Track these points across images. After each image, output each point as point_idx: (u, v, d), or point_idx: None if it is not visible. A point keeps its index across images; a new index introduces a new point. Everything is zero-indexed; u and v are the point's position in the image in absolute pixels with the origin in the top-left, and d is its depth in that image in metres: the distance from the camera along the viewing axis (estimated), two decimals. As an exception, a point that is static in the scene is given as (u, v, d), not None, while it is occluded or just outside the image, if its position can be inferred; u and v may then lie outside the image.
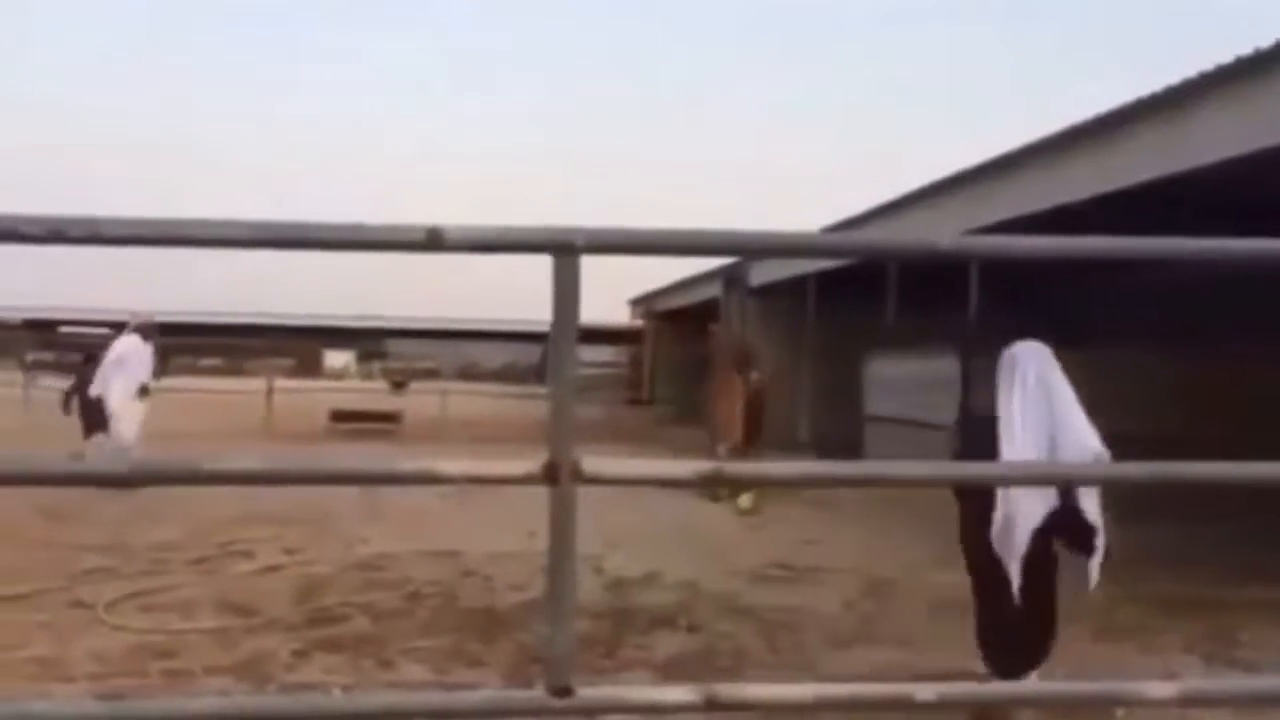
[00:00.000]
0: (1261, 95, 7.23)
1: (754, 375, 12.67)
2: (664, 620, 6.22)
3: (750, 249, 2.18)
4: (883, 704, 2.29)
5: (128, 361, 11.90)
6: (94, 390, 11.81)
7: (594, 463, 2.06)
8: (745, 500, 10.98)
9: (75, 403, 12.55)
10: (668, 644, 5.75)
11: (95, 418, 11.93)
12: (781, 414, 19.55)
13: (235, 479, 2.50)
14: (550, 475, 2.05)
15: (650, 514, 9.70)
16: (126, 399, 11.73)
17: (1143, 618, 6.51)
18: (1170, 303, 14.23)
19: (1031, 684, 2.32)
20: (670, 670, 5.17)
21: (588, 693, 2.11)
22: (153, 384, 12.41)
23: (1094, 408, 11.24)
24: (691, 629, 6.08)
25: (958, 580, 7.50)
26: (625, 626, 6.03)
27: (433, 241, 2.02)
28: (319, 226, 2.03)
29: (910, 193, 13.40)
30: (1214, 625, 6.30)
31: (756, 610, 6.56)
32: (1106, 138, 8.90)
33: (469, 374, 49.63)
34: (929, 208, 12.91)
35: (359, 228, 2.04)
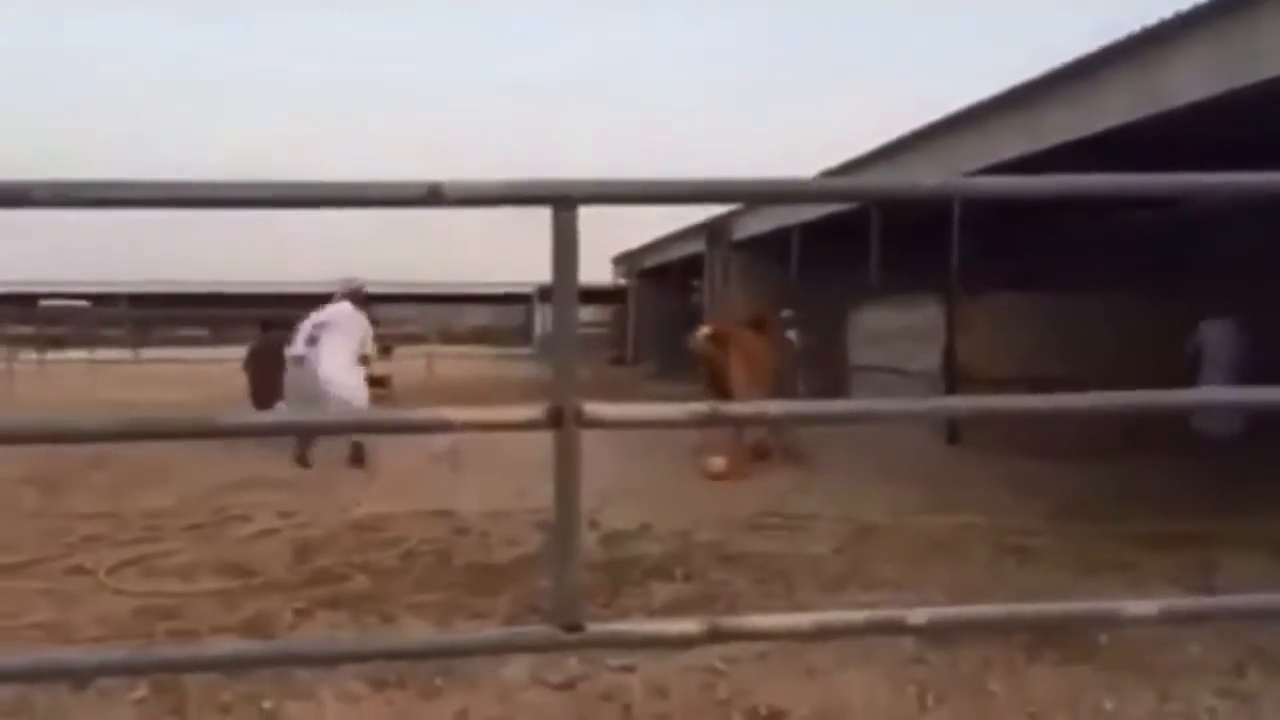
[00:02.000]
0: (1236, 35, 7.30)
1: (788, 335, 11.99)
2: (659, 570, 6.33)
3: (742, 195, 2.23)
4: (878, 629, 2.40)
5: (340, 328, 10.76)
6: (299, 357, 10.80)
7: (594, 408, 2.14)
8: (718, 462, 10.12)
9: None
10: (664, 592, 5.86)
11: (271, 387, 11.68)
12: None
13: (251, 431, 2.58)
14: (554, 419, 2.13)
15: (643, 469, 9.81)
16: (346, 367, 10.62)
17: (1125, 553, 6.66)
18: (1148, 246, 14.37)
19: (1016, 607, 2.42)
20: (669, 615, 5.29)
21: (597, 628, 2.20)
22: (372, 353, 11.39)
23: (1065, 350, 11.43)
24: (687, 577, 6.19)
25: (942, 523, 7.69)
26: (622, 577, 6.14)
27: (433, 197, 2.09)
28: (321, 185, 2.09)
29: (890, 142, 13.46)
30: (1194, 558, 6.45)
31: (749, 557, 6.68)
32: (1082, 82, 8.97)
33: (452, 337, 49.57)
34: (913, 154, 12.96)
35: (361, 185, 2.10)
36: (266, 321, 14.50)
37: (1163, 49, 8.00)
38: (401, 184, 2.09)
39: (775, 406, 2.22)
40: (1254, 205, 9.14)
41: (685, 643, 2.33)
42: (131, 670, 3.47)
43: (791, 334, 12.44)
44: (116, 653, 3.31)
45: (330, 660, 3.20)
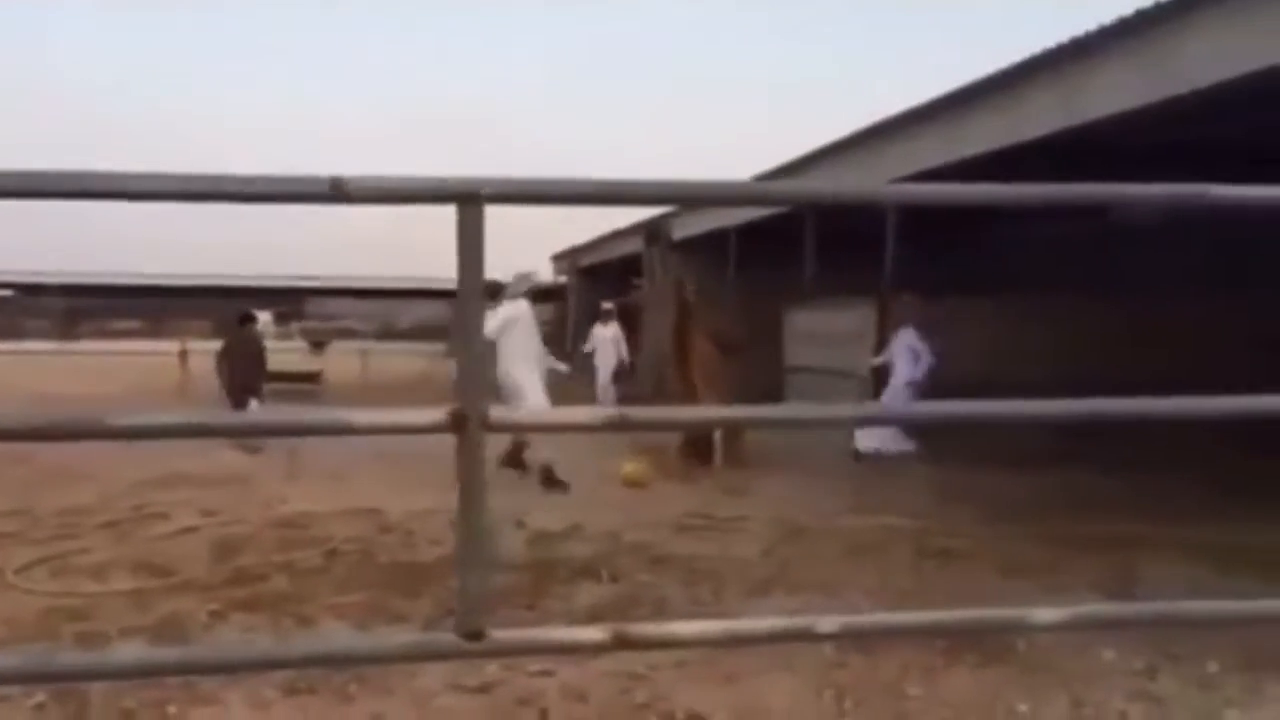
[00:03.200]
0: (1159, 47, 7.44)
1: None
2: (586, 571, 6.28)
3: (656, 198, 2.20)
4: (788, 637, 2.37)
5: (521, 326, 9.90)
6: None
7: (500, 411, 2.09)
8: (631, 469, 9.64)
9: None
10: (589, 594, 5.81)
11: (246, 384, 11.22)
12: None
13: (147, 433, 2.49)
14: (457, 423, 2.08)
15: (574, 470, 9.76)
16: (527, 366, 9.84)
17: (1048, 557, 6.74)
18: (1079, 252, 14.63)
19: (924, 614, 2.42)
20: (591, 619, 5.24)
21: (500, 635, 2.15)
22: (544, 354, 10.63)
23: (1005, 354, 11.54)
24: (613, 579, 6.15)
25: (869, 526, 7.75)
26: (547, 578, 6.08)
27: (336, 192, 2.02)
28: (226, 179, 2.02)
29: (821, 148, 13.55)
30: (1116, 563, 6.54)
31: (677, 559, 6.66)
32: (1008, 92, 9.10)
33: (389, 333, 49.08)
34: (838, 162, 13.06)
35: (263, 179, 2.03)
36: (244, 316, 14.24)
37: (1085, 61, 8.13)
38: (304, 179, 2.02)
39: (694, 412, 2.19)
40: (1177, 214, 9.32)
41: (591, 650, 2.28)
42: (27, 679, 3.34)
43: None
44: (11, 658, 3.18)
45: (213, 669, 3.11)
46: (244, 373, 11.99)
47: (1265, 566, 6.14)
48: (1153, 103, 7.45)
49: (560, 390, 10.96)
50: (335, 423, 2.16)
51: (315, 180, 2.01)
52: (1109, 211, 13.30)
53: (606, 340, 16.91)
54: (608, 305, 17.56)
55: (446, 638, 2.15)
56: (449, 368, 22.70)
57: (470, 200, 2.06)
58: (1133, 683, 4.32)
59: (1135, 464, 9.83)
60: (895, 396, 11.10)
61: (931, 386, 10.85)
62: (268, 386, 20.21)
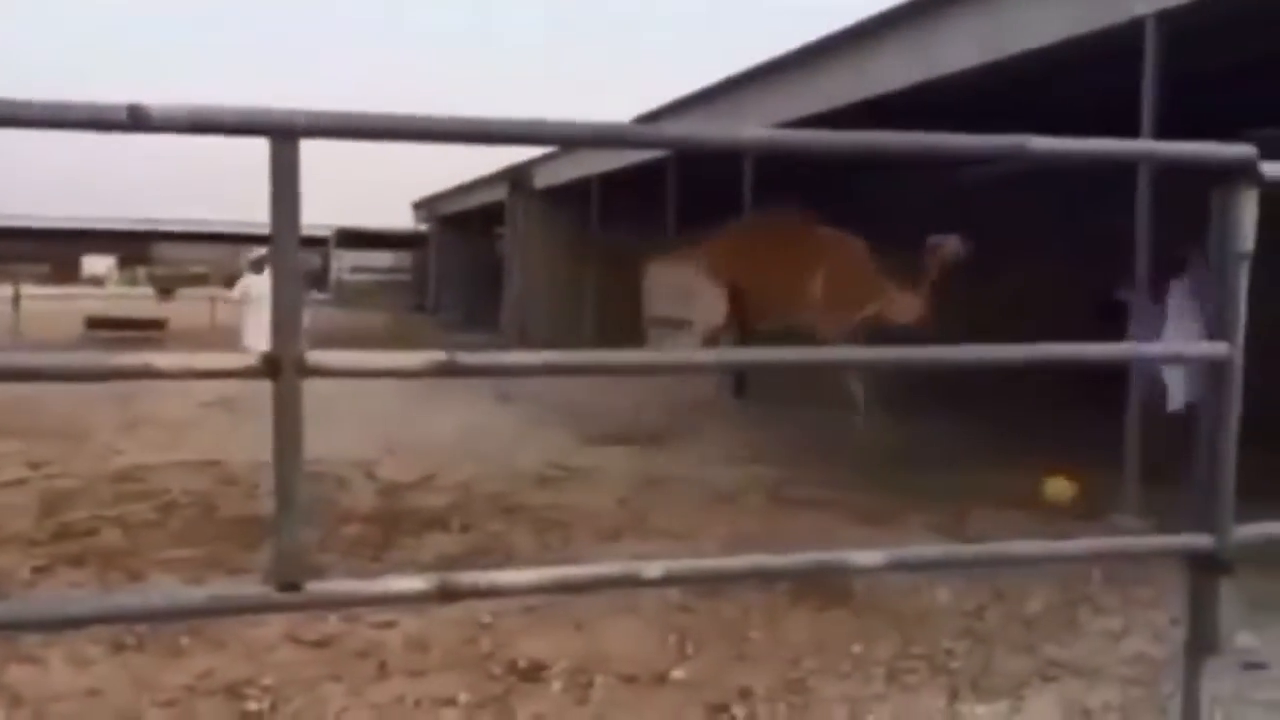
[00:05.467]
0: (1003, 4, 7.65)
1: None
2: (436, 522, 6.22)
3: (481, 135, 2.12)
4: (614, 583, 2.38)
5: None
6: None
7: (318, 355, 2.02)
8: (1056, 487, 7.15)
9: None
10: (438, 545, 5.76)
11: None
12: (566, 316, 19.71)
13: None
14: (272, 368, 2.00)
15: (434, 418, 9.64)
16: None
17: (894, 503, 6.95)
18: (937, 207, 15.01)
19: (750, 558, 2.46)
20: (437, 569, 5.19)
21: (316, 587, 2.09)
22: None
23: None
24: (464, 528, 6.10)
25: (724, 474, 7.86)
26: (395, 529, 6.00)
27: (136, 120, 1.90)
28: (20, 104, 1.87)
29: (670, 102, 13.58)
30: (952, 510, 6.79)
31: (530, 509, 6.64)
32: (864, 45, 9.23)
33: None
34: (695, 113, 13.09)
35: (59, 106, 1.89)
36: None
37: (935, 18, 8.31)
38: (101, 106, 1.89)
39: (525, 358, 2.15)
40: (1031, 170, 9.60)
41: (414, 600, 2.24)
42: None
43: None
44: None
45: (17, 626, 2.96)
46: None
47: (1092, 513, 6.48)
48: (998, 60, 7.66)
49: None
50: (136, 366, 2.05)
51: (113, 108, 1.88)
52: (959, 170, 13.70)
53: (266, 292, 15.00)
54: (259, 253, 14.99)
55: (259, 589, 2.08)
56: (321, 314, 22.11)
57: (284, 134, 1.97)
58: (961, 622, 4.50)
59: (995, 416, 9.97)
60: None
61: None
62: (106, 333, 19.47)
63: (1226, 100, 9.03)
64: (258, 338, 13.01)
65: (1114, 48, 6.73)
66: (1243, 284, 2.20)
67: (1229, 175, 2.19)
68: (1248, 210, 2.18)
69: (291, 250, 2.02)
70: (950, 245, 9.15)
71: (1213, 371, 2.20)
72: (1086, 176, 9.22)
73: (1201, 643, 2.33)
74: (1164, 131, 5.95)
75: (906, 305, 9.30)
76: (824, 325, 9.27)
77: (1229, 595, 2.33)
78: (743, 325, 9.98)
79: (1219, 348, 2.17)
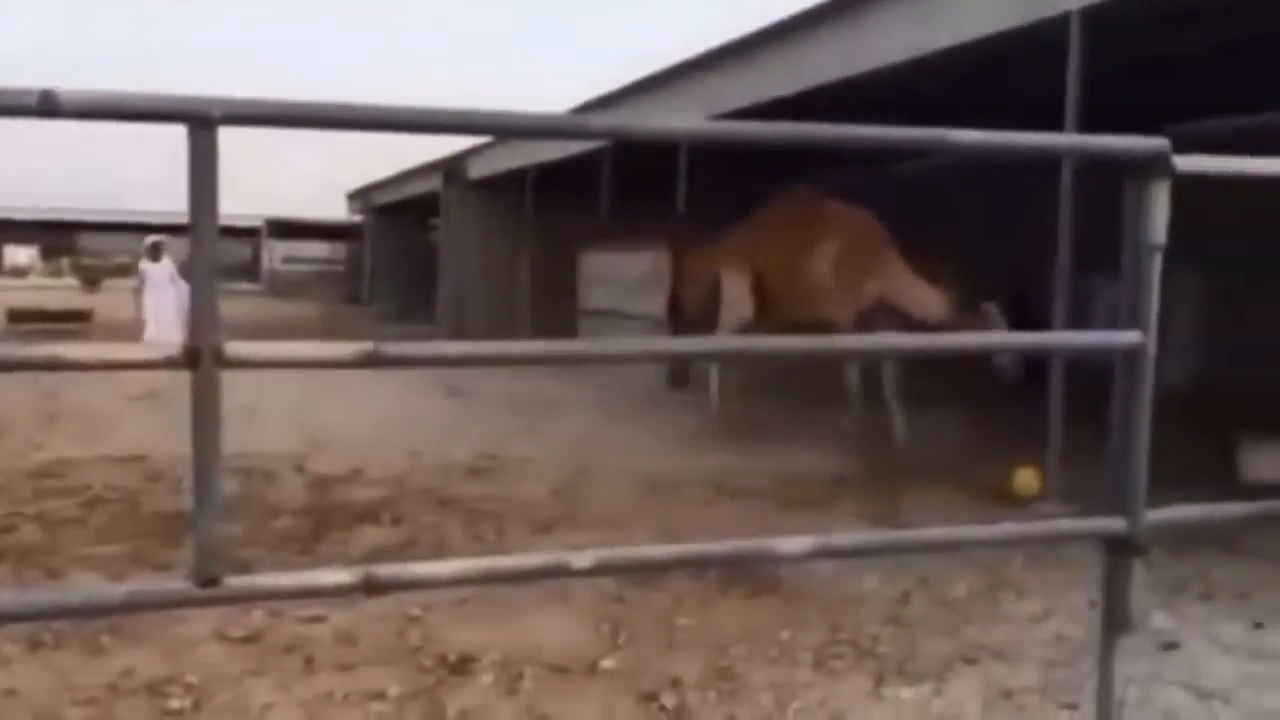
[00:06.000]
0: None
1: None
2: (367, 515, 6.15)
3: (409, 125, 2.10)
4: (543, 574, 2.38)
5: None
6: None
7: (237, 346, 1.99)
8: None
9: None
10: (368, 538, 5.70)
11: None
12: (501, 308, 19.61)
13: None
14: (190, 359, 1.96)
15: (365, 410, 9.54)
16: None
17: (826, 491, 7.04)
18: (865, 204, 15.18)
19: (678, 547, 2.47)
20: (367, 563, 5.14)
21: (236, 581, 2.06)
22: None
23: None
24: (395, 521, 6.05)
25: (659, 465, 7.89)
26: (325, 523, 5.93)
27: (46, 106, 1.86)
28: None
29: (603, 95, 13.56)
30: (883, 495, 6.89)
31: (463, 500, 6.61)
32: (795, 39, 9.29)
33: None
34: (628, 105, 13.10)
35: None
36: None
37: (863, 13, 8.39)
38: (11, 91, 1.85)
39: (452, 347, 2.14)
40: (966, 163, 9.73)
41: (337, 594, 2.22)
42: None
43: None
44: None
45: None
46: None
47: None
48: (927, 54, 7.76)
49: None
50: (44, 357, 2.01)
51: (24, 92, 1.84)
52: (888, 164, 13.86)
53: (163, 279, 13.39)
54: (156, 238, 13.98)
55: (178, 585, 2.04)
56: (253, 305, 21.74)
57: (200, 122, 1.94)
58: (888, 608, 4.57)
59: (934, 403, 9.93)
60: None
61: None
62: (29, 326, 18.90)
63: (1153, 96, 9.25)
64: (157, 326, 12.76)
65: (1041, 43, 6.84)
66: (1155, 274, 2.26)
67: (1143, 168, 2.25)
68: (1160, 202, 2.24)
69: (210, 240, 1.99)
70: (992, 316, 8.41)
71: (1125, 360, 2.26)
72: (1019, 172, 9.35)
73: (1115, 623, 2.39)
74: (1090, 126, 6.06)
75: (925, 298, 8.58)
76: (834, 306, 8.49)
77: (1145, 578, 2.41)
78: (767, 317, 9.19)
79: (1131, 336, 2.23)
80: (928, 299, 8.60)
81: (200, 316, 2.00)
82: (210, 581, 2.00)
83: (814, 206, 9.16)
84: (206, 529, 2.01)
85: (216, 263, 2.02)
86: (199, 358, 1.96)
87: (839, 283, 8.58)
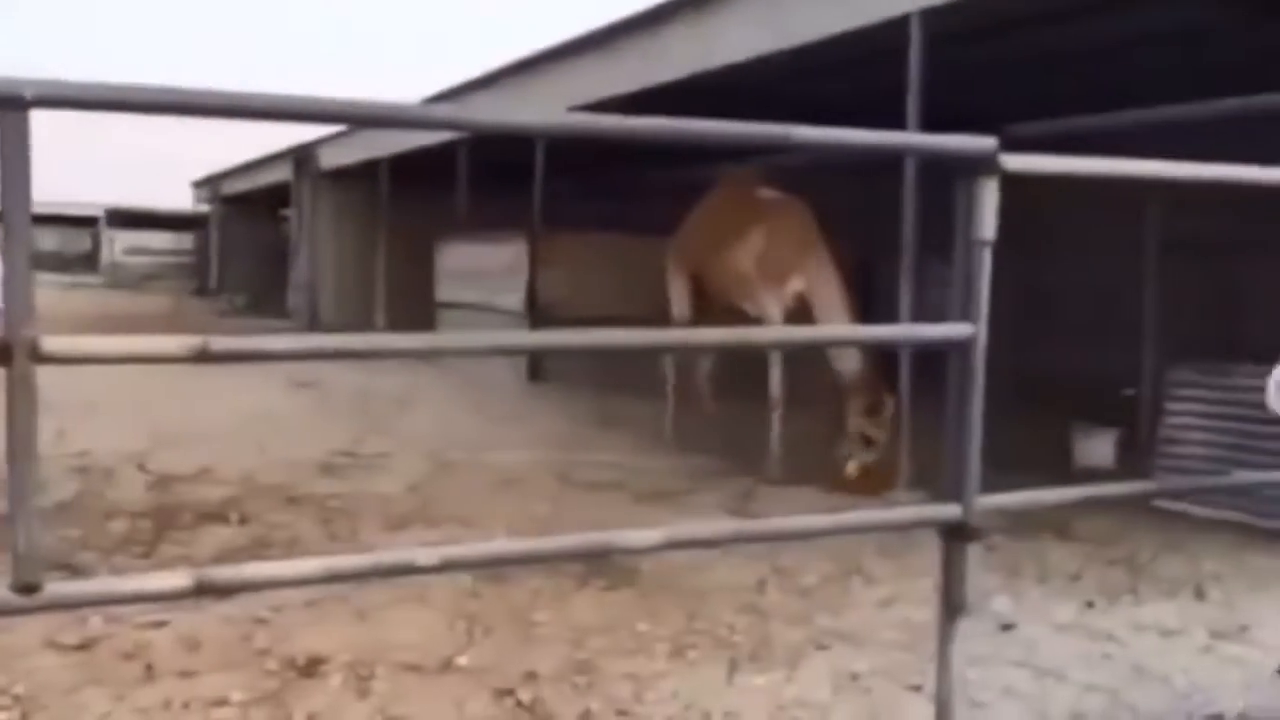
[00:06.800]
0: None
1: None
2: (214, 515, 5.94)
3: (243, 111, 2.03)
4: (387, 572, 2.33)
5: None
6: None
7: (56, 340, 1.89)
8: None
9: None
10: (215, 539, 5.50)
11: None
12: (356, 300, 19.19)
13: None
14: (2, 354, 1.86)
15: (212, 406, 9.21)
16: None
17: (684, 484, 7.11)
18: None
19: (529, 542, 2.45)
20: (215, 564, 4.96)
21: (59, 588, 1.96)
22: None
23: (638, 292, 11.52)
24: (243, 521, 5.86)
25: (518, 458, 7.84)
26: (169, 525, 5.69)
27: None
28: None
29: (458, 84, 13.45)
30: (743, 488, 7.01)
31: (316, 498, 6.44)
32: (649, 32, 9.36)
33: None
34: (486, 95, 12.99)
35: None
36: None
37: (715, 8, 8.51)
38: None
39: (296, 341, 2.07)
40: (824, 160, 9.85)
41: (169, 599, 2.13)
42: None
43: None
44: None
45: None
46: None
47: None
48: (774, 53, 7.91)
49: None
50: None
51: None
52: (750, 158, 14.05)
53: None
54: None
55: (-6, 593, 1.93)
56: (78, 300, 20.71)
57: (11, 104, 1.83)
58: (743, 597, 4.64)
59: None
60: None
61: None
62: None
63: (994, 97, 9.60)
64: None
65: (883, 43, 7.04)
66: (985, 268, 2.35)
67: (973, 166, 2.34)
68: (989, 199, 2.33)
69: (23, 228, 1.89)
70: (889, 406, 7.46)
71: (956, 351, 2.34)
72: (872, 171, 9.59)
73: (954, 606, 2.48)
74: (938, 126, 6.26)
75: (837, 305, 7.78)
76: (760, 302, 7.95)
77: (985, 561, 2.50)
78: (705, 310, 8.67)
79: (963, 329, 2.31)
80: (840, 307, 7.78)
81: (14, 309, 1.89)
82: (30, 588, 1.90)
83: (746, 196, 8.61)
84: (25, 533, 1.90)
85: (31, 251, 1.92)
86: (11, 353, 1.86)
87: (763, 277, 8.02)
